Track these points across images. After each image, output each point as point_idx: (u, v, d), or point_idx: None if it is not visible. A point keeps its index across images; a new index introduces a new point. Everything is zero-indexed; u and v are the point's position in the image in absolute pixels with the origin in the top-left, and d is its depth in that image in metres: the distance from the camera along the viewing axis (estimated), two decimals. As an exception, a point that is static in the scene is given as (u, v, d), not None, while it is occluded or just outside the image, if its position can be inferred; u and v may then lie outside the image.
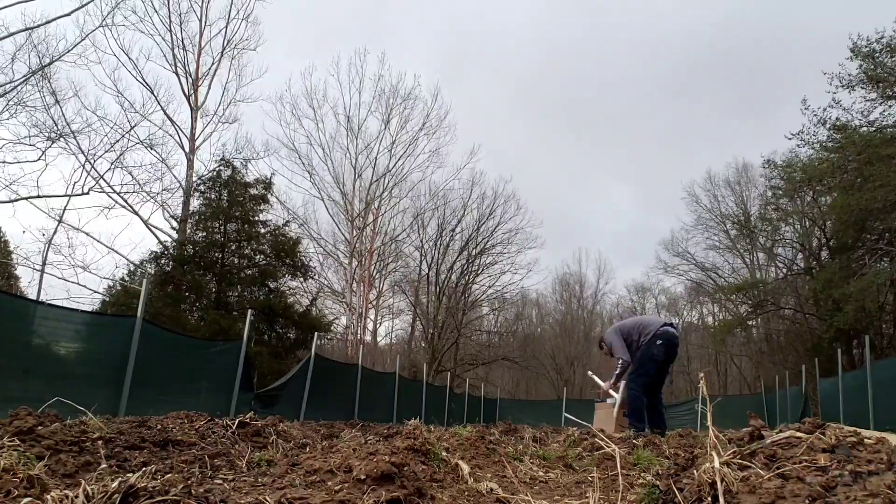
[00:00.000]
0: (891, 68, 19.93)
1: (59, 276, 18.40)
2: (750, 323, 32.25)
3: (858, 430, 2.50)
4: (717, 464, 1.82)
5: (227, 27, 22.65)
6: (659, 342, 7.11)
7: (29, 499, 1.97)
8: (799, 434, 2.01)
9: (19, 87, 17.44)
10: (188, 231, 18.96)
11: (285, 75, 59.92)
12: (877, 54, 20.10)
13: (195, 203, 19.46)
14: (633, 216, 73.62)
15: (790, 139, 23.34)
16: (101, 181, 19.06)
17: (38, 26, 17.41)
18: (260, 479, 3.24)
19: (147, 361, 8.47)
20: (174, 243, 18.76)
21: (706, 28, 64.80)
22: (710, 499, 1.76)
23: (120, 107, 20.98)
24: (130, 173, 19.87)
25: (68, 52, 18.08)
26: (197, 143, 21.65)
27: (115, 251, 20.22)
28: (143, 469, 2.54)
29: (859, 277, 20.99)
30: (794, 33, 57.97)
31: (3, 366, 6.82)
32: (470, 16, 65.16)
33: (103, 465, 3.00)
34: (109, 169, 19.39)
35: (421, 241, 33.85)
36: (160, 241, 19.40)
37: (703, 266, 36.14)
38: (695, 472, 2.03)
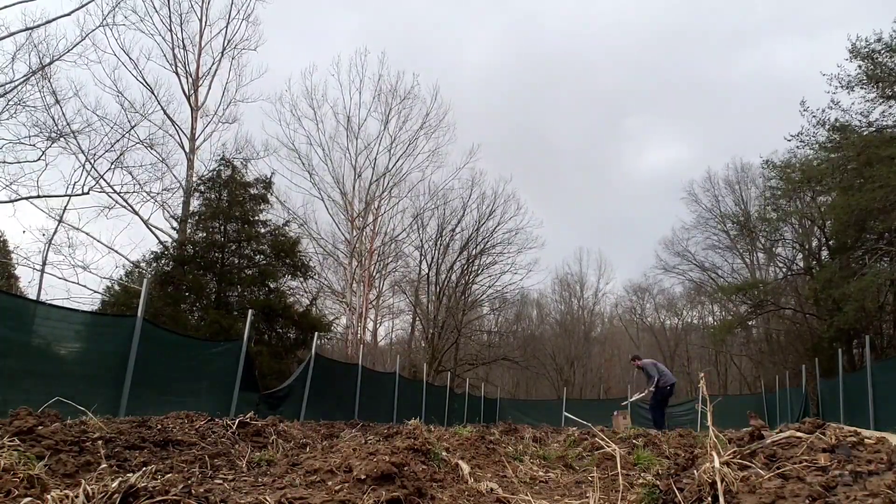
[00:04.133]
0: (890, 68, 19.92)
1: (59, 276, 18.36)
2: (750, 323, 32.23)
3: (858, 430, 2.50)
4: (717, 464, 1.82)
5: (227, 27, 22.65)
6: (670, 388, 12.24)
7: (29, 498, 1.97)
8: (799, 434, 2.01)
9: (19, 87, 17.42)
10: (188, 231, 18.94)
11: (285, 75, 59.90)
12: (876, 55, 20.10)
13: (195, 203, 19.45)
14: (633, 214, 73.66)
15: (789, 140, 23.37)
16: (102, 181, 19.03)
17: (39, 26, 17.40)
18: (260, 479, 3.24)
19: (147, 361, 8.46)
20: (174, 243, 18.75)
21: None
22: (710, 499, 1.76)
23: (120, 106, 20.90)
24: (130, 173, 19.85)
25: (68, 51, 18.05)
26: (197, 142, 21.64)
27: (115, 251, 20.18)
28: (143, 469, 2.54)
29: (859, 277, 20.97)
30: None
31: (3, 366, 6.81)
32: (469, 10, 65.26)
33: (103, 465, 2.99)
34: (109, 169, 19.37)
35: (421, 241, 33.85)
36: (160, 241, 19.40)
37: (703, 266, 36.14)
38: (695, 472, 2.03)
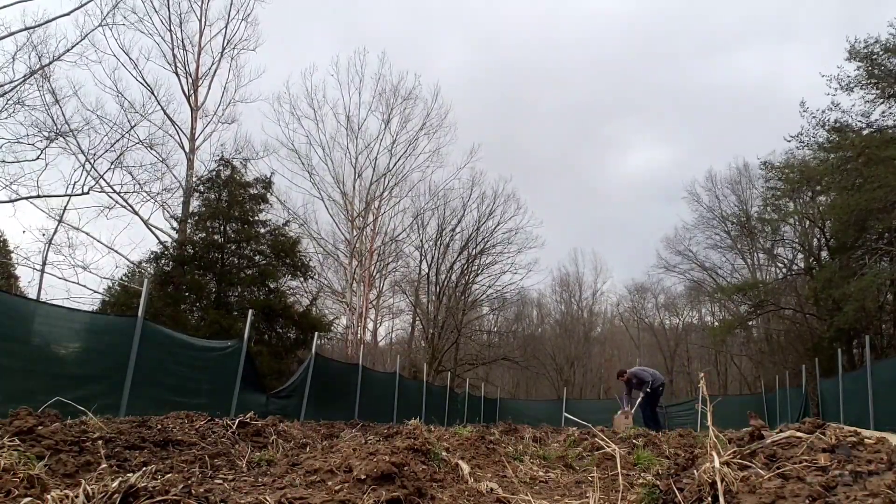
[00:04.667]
0: (889, 69, 19.95)
1: (59, 276, 18.33)
2: (750, 323, 32.21)
3: (858, 430, 2.50)
4: (717, 464, 1.82)
5: (226, 27, 22.62)
6: (661, 388, 13.11)
7: (29, 498, 1.97)
8: (799, 434, 2.01)
9: (19, 87, 17.42)
10: (188, 231, 18.94)
11: (285, 75, 59.95)
12: (875, 56, 20.14)
13: (195, 203, 19.45)
14: (632, 213, 73.72)
15: (789, 141, 23.38)
16: (101, 181, 19.03)
17: (38, 26, 17.39)
18: (260, 479, 3.24)
19: (147, 361, 8.46)
20: (174, 243, 18.75)
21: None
22: (710, 499, 1.76)
23: (120, 107, 20.86)
24: (130, 173, 19.83)
25: (68, 51, 18.03)
26: (197, 142, 21.62)
27: (115, 251, 20.12)
28: (144, 469, 2.54)
29: (859, 277, 20.97)
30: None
31: (3, 366, 6.81)
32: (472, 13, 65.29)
33: (103, 465, 2.99)
34: (109, 169, 19.35)
35: (421, 241, 33.80)
36: (160, 242, 19.38)
37: (703, 265, 36.10)
38: (695, 471, 2.03)
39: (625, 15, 68.30)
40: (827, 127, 21.85)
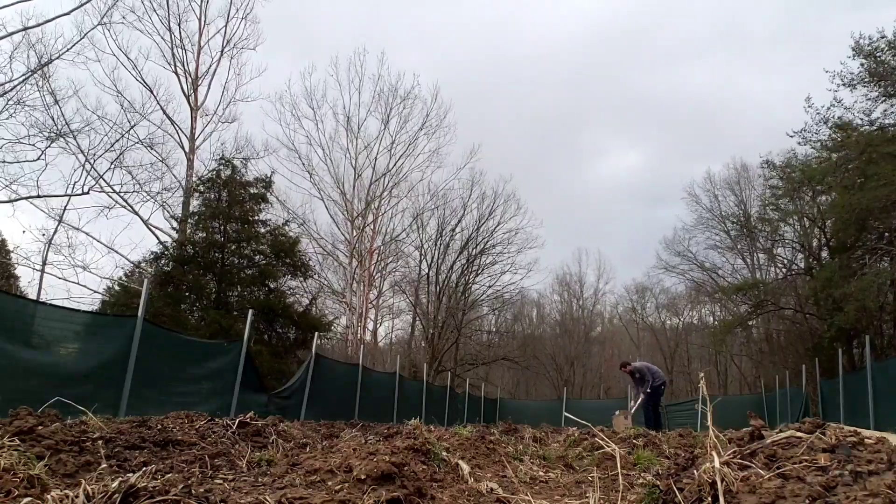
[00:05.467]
0: (893, 66, 19.93)
1: (59, 276, 18.38)
2: (750, 323, 32.20)
3: (858, 430, 2.50)
4: (717, 464, 1.82)
5: (226, 26, 22.65)
6: (663, 387, 12.94)
7: (29, 498, 1.97)
8: (799, 434, 2.01)
9: (18, 87, 17.44)
10: (188, 231, 18.95)
11: (285, 75, 59.94)
12: (879, 52, 20.12)
13: (195, 203, 19.46)
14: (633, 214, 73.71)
15: (792, 137, 23.35)
16: (101, 181, 19.06)
17: (37, 26, 17.40)
18: (260, 479, 3.24)
19: (147, 361, 8.46)
20: (174, 243, 18.75)
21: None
22: (710, 499, 1.76)
23: (119, 106, 20.91)
24: (130, 173, 19.87)
25: (67, 50, 18.07)
26: (197, 142, 21.66)
27: (116, 251, 20.16)
28: (144, 469, 2.54)
29: (859, 277, 20.97)
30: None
31: (3, 366, 6.81)
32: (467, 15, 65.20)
33: (103, 465, 3.00)
34: (109, 169, 19.39)
35: (421, 241, 33.82)
36: (160, 241, 19.40)
37: (703, 266, 36.08)
38: (695, 471, 2.03)
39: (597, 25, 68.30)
40: (829, 124, 21.85)
